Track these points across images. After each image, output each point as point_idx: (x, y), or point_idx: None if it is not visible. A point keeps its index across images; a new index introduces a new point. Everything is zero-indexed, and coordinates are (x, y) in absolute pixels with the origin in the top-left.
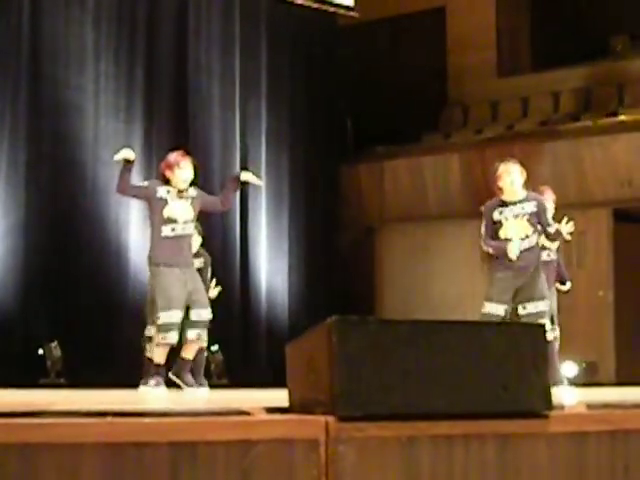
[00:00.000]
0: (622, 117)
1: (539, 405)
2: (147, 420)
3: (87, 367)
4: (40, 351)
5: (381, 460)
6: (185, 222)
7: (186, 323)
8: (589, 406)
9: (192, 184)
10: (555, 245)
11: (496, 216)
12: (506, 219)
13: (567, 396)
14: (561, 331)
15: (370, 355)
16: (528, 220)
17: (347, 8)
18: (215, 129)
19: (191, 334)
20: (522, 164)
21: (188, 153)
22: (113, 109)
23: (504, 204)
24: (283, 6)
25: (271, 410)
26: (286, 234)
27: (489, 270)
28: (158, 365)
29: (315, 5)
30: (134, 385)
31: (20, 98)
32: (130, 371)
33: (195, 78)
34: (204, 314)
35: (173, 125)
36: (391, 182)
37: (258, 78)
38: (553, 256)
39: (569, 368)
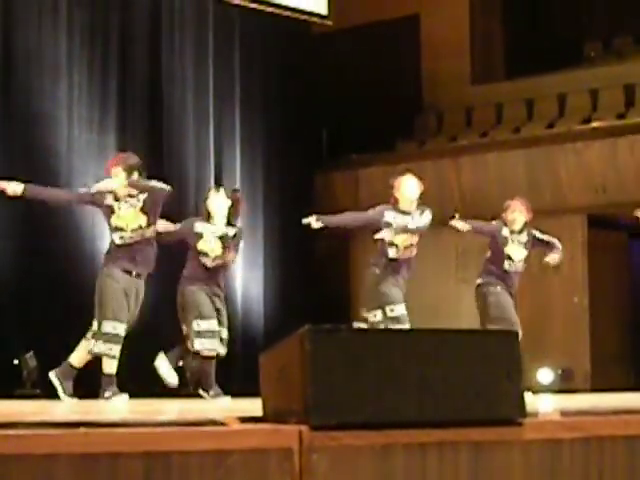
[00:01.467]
0: (596, 124)
1: (513, 412)
2: (121, 430)
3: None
4: (15, 361)
5: (355, 469)
6: (133, 230)
7: None
8: (563, 413)
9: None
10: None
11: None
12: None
13: (541, 403)
14: (536, 337)
15: (343, 364)
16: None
17: (321, 17)
18: (189, 140)
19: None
20: (496, 171)
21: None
22: (86, 120)
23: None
24: (256, 16)
25: (245, 420)
26: (261, 243)
27: None
28: (110, 375)
29: (288, 14)
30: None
31: None
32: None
33: (169, 89)
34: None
35: (147, 136)
36: (366, 190)
37: (232, 88)
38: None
39: (545, 375)
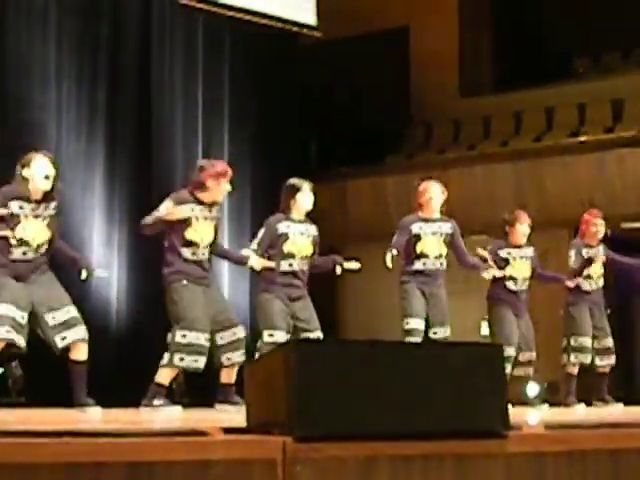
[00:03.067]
0: (583, 137)
1: (497, 425)
2: (104, 440)
3: (49, 385)
4: (0, 370)
5: None
6: (205, 247)
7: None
8: (547, 426)
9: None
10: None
11: (415, 230)
12: (425, 234)
13: (526, 416)
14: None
15: (328, 376)
16: (444, 240)
17: (310, 28)
18: (178, 151)
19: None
20: (484, 184)
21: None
22: (75, 130)
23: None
24: (245, 27)
25: (229, 430)
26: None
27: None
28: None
29: (278, 25)
30: (95, 404)
31: None
32: (90, 391)
33: (158, 100)
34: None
35: (135, 147)
36: (354, 202)
37: (221, 100)
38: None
39: (530, 388)
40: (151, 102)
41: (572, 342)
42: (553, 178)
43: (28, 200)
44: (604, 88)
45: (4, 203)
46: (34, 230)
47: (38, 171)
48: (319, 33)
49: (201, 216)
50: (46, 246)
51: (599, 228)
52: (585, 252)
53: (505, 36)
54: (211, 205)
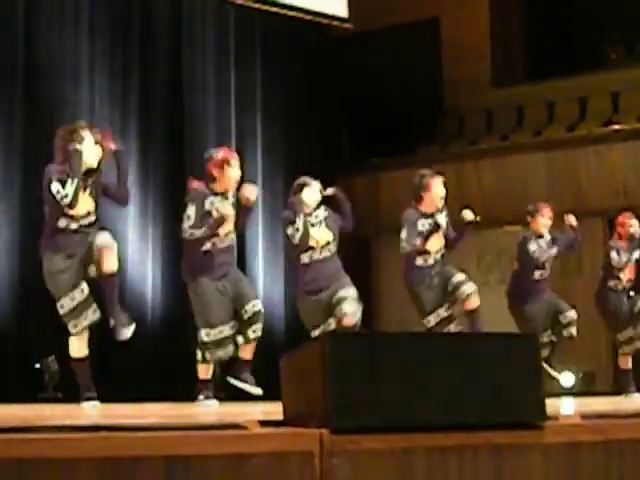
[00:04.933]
0: (617, 126)
1: (533, 415)
2: (141, 434)
3: None
4: (37, 365)
5: (375, 472)
6: (226, 235)
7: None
8: (584, 416)
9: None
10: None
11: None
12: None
13: (562, 406)
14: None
15: (363, 368)
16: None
17: (341, 20)
18: (211, 146)
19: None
20: (517, 174)
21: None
22: (108, 126)
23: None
24: (277, 20)
25: (266, 423)
26: (282, 246)
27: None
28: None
29: (309, 18)
30: (130, 399)
31: (15, 114)
32: (126, 384)
33: (190, 95)
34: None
35: (168, 142)
36: (387, 193)
37: (253, 93)
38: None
39: (566, 378)
40: (184, 97)
41: (618, 337)
42: (587, 167)
43: (75, 175)
44: (637, 76)
45: (62, 183)
46: (82, 202)
47: (90, 145)
48: (350, 25)
49: (221, 207)
50: (91, 218)
51: (636, 228)
52: (624, 251)
53: (537, 25)
54: (224, 194)
